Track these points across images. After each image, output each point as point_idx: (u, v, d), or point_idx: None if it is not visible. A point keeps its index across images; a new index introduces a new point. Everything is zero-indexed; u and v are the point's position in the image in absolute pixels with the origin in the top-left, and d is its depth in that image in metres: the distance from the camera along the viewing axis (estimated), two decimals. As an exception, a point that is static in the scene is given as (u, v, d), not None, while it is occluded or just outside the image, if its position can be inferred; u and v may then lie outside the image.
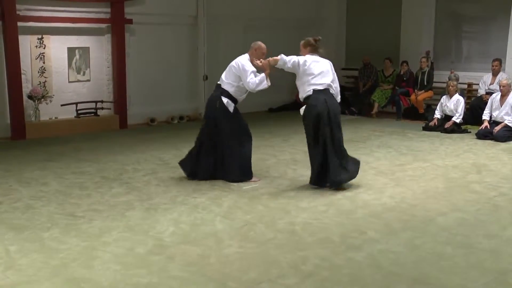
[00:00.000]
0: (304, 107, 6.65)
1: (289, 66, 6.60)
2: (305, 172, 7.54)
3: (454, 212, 5.88)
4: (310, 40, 6.87)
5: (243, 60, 6.91)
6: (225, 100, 6.88)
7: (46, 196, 6.42)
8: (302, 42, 6.89)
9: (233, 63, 6.98)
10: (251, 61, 6.88)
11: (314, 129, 6.55)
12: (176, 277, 4.24)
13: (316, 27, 15.56)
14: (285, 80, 14.67)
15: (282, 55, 6.63)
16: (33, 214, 5.76)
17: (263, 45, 7.00)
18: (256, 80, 6.79)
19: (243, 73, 6.83)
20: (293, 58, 6.62)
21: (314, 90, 6.55)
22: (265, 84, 6.80)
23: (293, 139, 10.14)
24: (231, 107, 6.93)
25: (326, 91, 6.60)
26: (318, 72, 6.60)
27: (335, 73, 6.79)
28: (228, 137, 6.92)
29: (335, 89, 6.74)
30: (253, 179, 7.03)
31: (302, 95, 6.70)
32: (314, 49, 6.80)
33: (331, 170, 6.53)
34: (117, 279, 4.20)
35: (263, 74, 6.81)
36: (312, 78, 6.58)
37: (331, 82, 6.66)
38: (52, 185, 6.91)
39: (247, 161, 7.05)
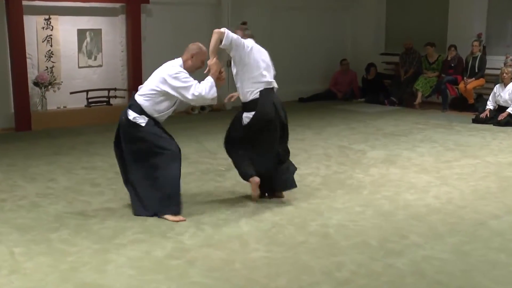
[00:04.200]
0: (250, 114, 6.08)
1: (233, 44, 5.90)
2: (339, 169, 7.54)
3: (508, 215, 5.83)
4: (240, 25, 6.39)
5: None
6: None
7: (54, 194, 6.50)
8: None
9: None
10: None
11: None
12: (197, 283, 4.27)
13: (353, 8, 15.53)
14: (316, 67, 14.75)
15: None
16: (40, 213, 5.83)
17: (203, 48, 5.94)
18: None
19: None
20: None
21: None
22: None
23: (326, 132, 10.12)
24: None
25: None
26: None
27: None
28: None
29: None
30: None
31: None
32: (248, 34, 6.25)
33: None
34: (132, 285, 4.24)
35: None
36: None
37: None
38: (60, 181, 6.99)
39: None
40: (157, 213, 5.67)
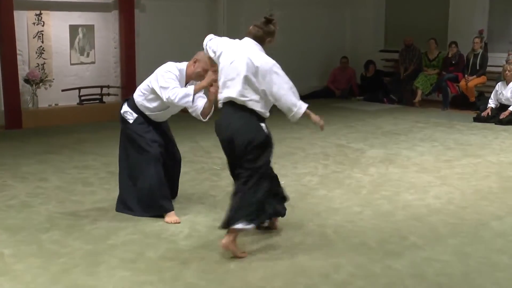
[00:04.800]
0: None
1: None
2: (337, 168, 7.53)
3: (510, 215, 5.82)
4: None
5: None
6: None
7: (45, 193, 6.48)
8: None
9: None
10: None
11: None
12: (191, 285, 4.26)
13: (351, 3, 15.50)
14: (314, 63, 14.73)
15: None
16: (30, 213, 5.81)
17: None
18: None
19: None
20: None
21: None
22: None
23: (324, 131, 10.07)
24: None
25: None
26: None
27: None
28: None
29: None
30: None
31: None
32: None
33: None
34: (125, 286, 4.23)
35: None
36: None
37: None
38: (51, 181, 6.97)
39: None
40: (139, 214, 5.70)
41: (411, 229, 5.42)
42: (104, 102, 11.38)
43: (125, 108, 5.79)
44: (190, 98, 5.48)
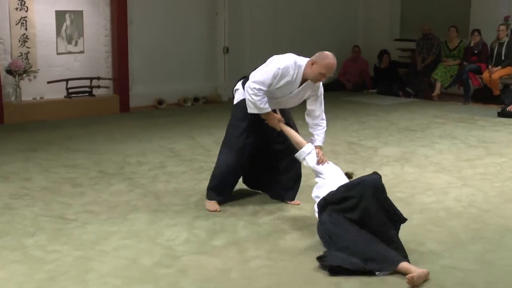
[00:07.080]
0: None
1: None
2: (348, 168, 7.52)
3: (537, 219, 5.83)
4: None
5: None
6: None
7: (29, 194, 6.48)
8: None
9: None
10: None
11: None
12: (189, 295, 4.27)
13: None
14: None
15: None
16: (14, 216, 5.81)
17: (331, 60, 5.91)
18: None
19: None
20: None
21: None
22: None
23: (333, 127, 10.10)
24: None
25: None
26: None
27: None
28: None
29: None
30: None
31: None
32: None
33: None
34: (117, 296, 4.24)
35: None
36: None
37: None
38: (37, 181, 6.98)
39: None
40: None
41: (429, 234, 5.42)
42: (94, 95, 11.39)
43: (238, 85, 6.12)
44: (264, 107, 5.75)
